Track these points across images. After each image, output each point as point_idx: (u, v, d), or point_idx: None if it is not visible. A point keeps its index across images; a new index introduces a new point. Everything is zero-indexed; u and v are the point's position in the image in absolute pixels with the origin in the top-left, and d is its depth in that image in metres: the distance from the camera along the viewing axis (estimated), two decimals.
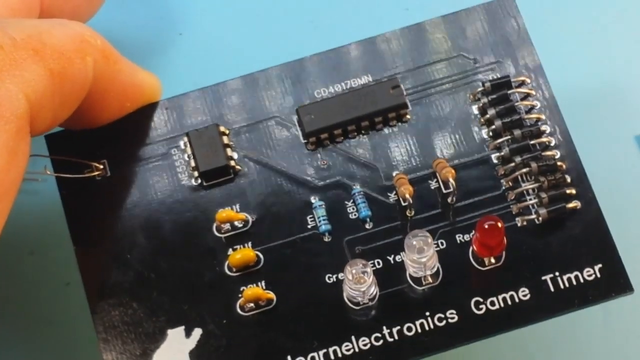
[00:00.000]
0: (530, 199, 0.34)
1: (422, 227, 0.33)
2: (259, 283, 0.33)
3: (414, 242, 0.32)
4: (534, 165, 0.34)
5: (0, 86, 0.29)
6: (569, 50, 0.41)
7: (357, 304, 0.33)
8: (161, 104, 0.36)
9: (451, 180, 0.33)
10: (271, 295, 0.33)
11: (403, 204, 0.34)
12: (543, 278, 0.33)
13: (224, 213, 0.34)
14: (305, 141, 0.35)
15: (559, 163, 0.34)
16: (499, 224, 0.32)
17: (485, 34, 0.36)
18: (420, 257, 0.32)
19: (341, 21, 0.35)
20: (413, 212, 0.34)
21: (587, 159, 0.35)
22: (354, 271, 0.32)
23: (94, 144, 0.35)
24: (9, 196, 0.29)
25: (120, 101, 0.34)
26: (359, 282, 0.32)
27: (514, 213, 0.34)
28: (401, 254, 0.33)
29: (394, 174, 0.34)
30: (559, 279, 0.33)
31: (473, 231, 0.33)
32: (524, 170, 0.34)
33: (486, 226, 0.32)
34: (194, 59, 0.34)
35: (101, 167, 0.35)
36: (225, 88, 0.36)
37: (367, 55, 0.36)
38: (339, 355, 0.33)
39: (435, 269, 0.33)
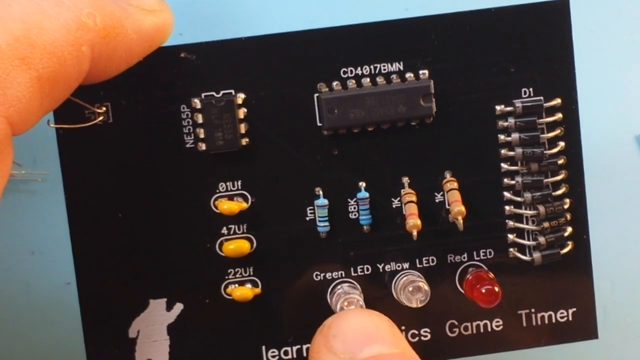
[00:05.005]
0: (529, 240, 0.34)
1: (417, 242, 0.33)
2: (248, 269, 0.34)
3: (410, 288, 0.32)
4: (542, 209, 0.33)
5: None
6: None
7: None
8: (177, 50, 0.33)
9: (460, 220, 0.33)
10: (258, 290, 0.34)
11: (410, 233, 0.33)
12: (519, 312, 0.34)
13: (225, 205, 0.33)
14: (321, 125, 0.33)
15: (565, 205, 0.34)
16: (496, 289, 0.32)
17: (527, 40, 0.33)
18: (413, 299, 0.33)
19: (341, 20, 0.33)
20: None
21: (587, 159, 0.35)
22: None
23: (97, 86, 0.31)
24: None
25: (126, 59, 0.31)
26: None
27: (508, 242, 0.34)
28: (391, 263, 0.34)
29: (402, 180, 0.34)
30: (533, 315, 0.35)
31: (468, 275, 0.34)
32: (531, 212, 0.34)
33: (483, 291, 0.32)
34: None
35: (103, 109, 0.33)
36: (247, 45, 0.33)
37: (401, 38, 0.33)
38: None
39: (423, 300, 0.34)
